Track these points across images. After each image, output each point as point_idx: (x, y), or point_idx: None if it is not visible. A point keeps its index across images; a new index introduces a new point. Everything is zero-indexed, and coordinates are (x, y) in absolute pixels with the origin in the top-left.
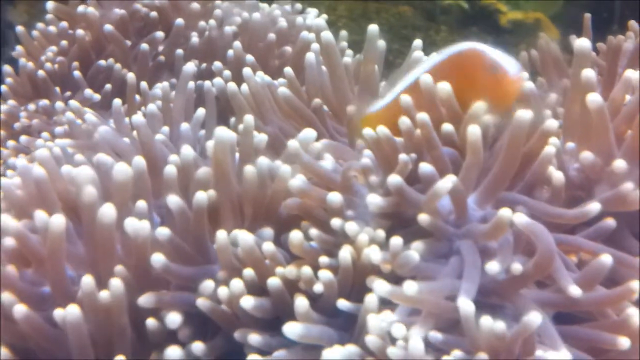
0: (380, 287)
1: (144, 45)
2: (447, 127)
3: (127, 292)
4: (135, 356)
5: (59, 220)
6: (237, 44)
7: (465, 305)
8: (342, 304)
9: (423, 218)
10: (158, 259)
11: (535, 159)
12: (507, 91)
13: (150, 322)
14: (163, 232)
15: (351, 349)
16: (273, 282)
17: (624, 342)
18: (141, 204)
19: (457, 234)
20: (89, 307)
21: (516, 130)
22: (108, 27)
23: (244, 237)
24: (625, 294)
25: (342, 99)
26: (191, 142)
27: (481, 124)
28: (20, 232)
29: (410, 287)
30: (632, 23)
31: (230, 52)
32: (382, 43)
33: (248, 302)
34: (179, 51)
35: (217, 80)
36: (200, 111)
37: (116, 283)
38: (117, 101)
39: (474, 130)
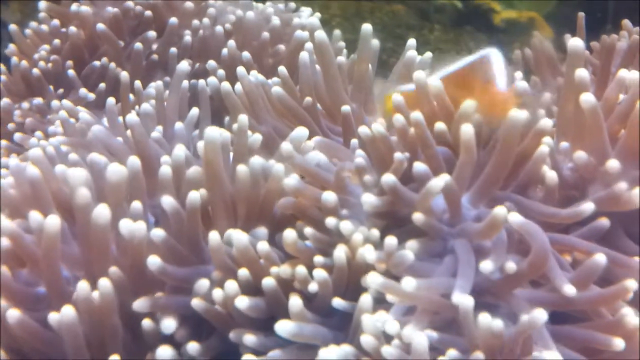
0: (373, 279)
1: (138, 45)
2: (440, 125)
3: (121, 293)
4: (131, 356)
5: (54, 221)
6: (231, 42)
7: (464, 299)
8: (337, 302)
9: (417, 217)
10: (154, 261)
11: (529, 158)
12: (493, 102)
13: (146, 323)
14: (158, 233)
15: (346, 348)
16: (268, 282)
17: (618, 343)
18: (136, 204)
19: (451, 233)
20: (83, 308)
21: (510, 130)
22: (101, 26)
23: (238, 236)
24: (620, 293)
25: (335, 98)
26: (185, 142)
27: (474, 122)
28: (15, 232)
29: (408, 283)
30: (626, 22)
31: (225, 50)
32: (375, 42)
33: (243, 302)
34: (173, 50)
35: (211, 79)
36: (194, 111)
37: (105, 283)
38: (110, 100)
39: (466, 129)
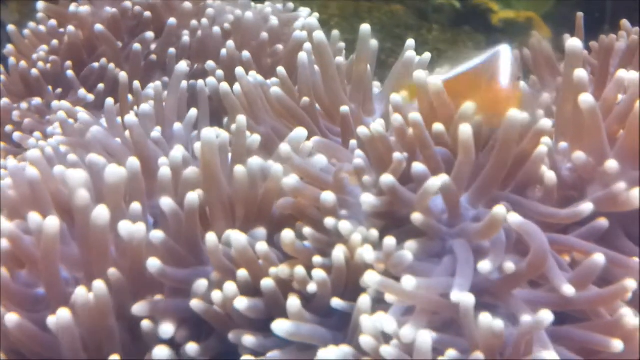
0: (371, 278)
1: (136, 45)
2: (439, 126)
3: (120, 294)
4: (130, 357)
5: (53, 222)
6: (230, 43)
7: (465, 297)
8: (336, 303)
9: (416, 217)
10: (154, 263)
11: (528, 158)
12: (495, 99)
13: (145, 324)
14: (157, 235)
15: (345, 349)
16: (266, 282)
17: (617, 344)
18: (135, 205)
19: (450, 233)
20: (80, 310)
21: (509, 130)
22: (99, 27)
23: (237, 237)
24: (619, 293)
25: (334, 99)
26: (184, 142)
27: (472, 122)
28: (13, 234)
29: (408, 281)
30: (625, 22)
31: (224, 51)
32: (374, 42)
33: (242, 303)
34: (172, 50)
35: (210, 80)
36: (193, 111)
37: (99, 285)
38: (109, 101)
39: (465, 129)
